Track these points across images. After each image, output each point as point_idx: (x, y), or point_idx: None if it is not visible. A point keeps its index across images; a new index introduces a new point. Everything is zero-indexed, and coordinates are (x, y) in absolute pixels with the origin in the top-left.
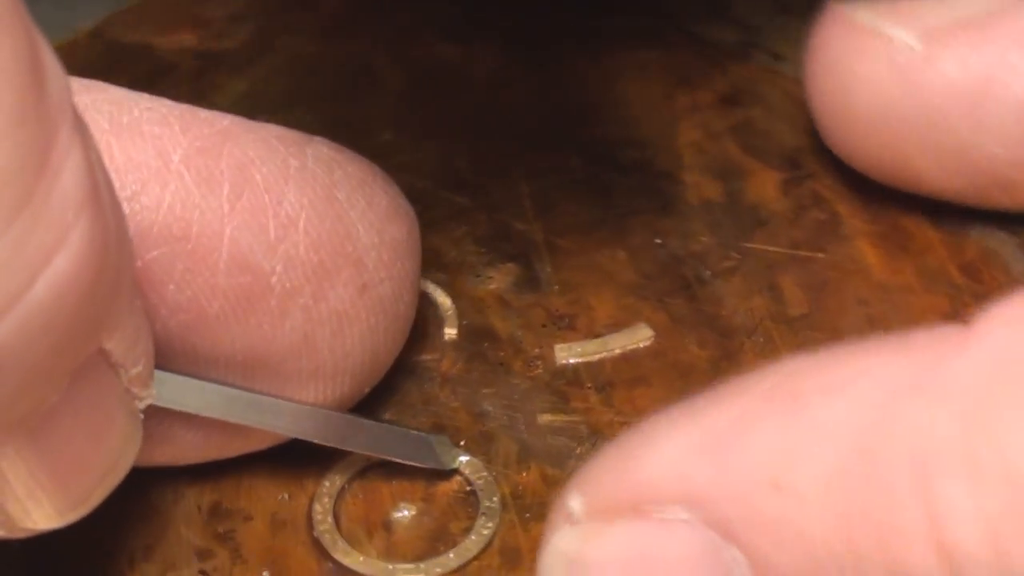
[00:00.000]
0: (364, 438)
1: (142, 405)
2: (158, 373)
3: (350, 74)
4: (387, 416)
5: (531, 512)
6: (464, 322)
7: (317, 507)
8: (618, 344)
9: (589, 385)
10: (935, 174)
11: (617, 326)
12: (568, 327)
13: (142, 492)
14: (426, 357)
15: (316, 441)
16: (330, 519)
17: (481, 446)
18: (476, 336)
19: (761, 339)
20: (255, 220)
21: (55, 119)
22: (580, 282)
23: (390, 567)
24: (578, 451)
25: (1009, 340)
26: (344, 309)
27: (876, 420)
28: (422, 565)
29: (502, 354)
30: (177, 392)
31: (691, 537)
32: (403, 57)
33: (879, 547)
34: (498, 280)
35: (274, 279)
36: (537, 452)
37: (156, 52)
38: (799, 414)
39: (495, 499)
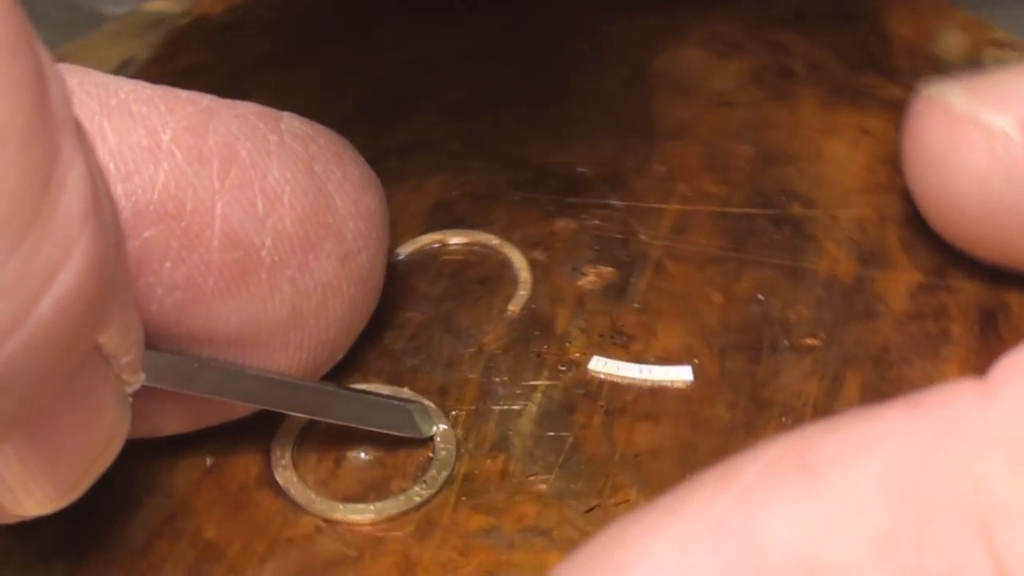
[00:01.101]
0: (344, 408)
1: (131, 390)
2: (147, 353)
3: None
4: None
5: (470, 498)
6: (532, 306)
7: (275, 447)
8: (653, 377)
9: (601, 404)
10: None
11: (667, 360)
12: (621, 345)
13: None
14: (477, 327)
15: (298, 414)
16: (288, 455)
17: (467, 422)
18: (531, 323)
19: (791, 422)
20: (244, 195)
21: (59, 132)
22: (661, 308)
23: (340, 506)
24: (549, 460)
25: None
26: (328, 280)
27: (918, 478)
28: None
29: (544, 347)
30: (165, 371)
31: None
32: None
33: None
34: (591, 280)
35: (264, 253)
36: (513, 448)
37: None
38: (819, 484)
39: (444, 473)
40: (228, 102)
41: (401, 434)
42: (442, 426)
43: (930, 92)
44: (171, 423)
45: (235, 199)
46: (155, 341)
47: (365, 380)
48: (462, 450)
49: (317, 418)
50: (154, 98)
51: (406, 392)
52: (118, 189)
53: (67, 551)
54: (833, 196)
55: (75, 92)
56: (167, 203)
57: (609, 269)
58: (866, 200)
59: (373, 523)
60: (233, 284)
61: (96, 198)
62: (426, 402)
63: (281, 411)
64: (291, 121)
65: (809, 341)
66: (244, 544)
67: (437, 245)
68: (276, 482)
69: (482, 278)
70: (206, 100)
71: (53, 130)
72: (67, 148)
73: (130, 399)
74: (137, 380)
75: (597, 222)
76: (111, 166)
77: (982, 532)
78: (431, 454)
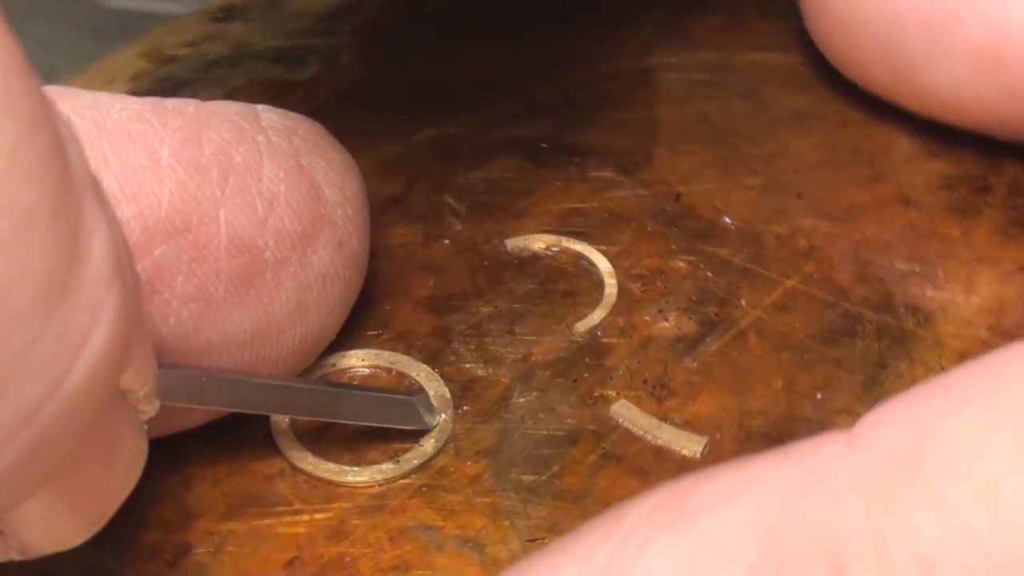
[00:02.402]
0: (351, 407)
1: (146, 418)
2: (161, 372)
3: None
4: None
5: (430, 492)
6: (597, 332)
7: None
8: (664, 437)
9: (603, 446)
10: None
11: (691, 426)
12: (656, 397)
13: None
14: (536, 336)
15: (307, 417)
16: (286, 419)
17: (471, 421)
18: (587, 349)
19: None
20: (244, 200)
21: (81, 199)
22: (716, 376)
23: (309, 457)
24: (525, 481)
25: (893, 438)
26: (326, 270)
27: (779, 522)
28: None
29: (585, 375)
30: (175, 389)
31: None
32: None
33: None
34: (668, 326)
35: (267, 254)
36: (498, 459)
37: None
38: (691, 531)
39: (416, 462)
40: (209, 105)
41: (408, 427)
42: (443, 416)
43: None
44: (194, 415)
45: (236, 205)
46: (175, 356)
47: (407, 353)
48: (450, 445)
49: (325, 419)
50: (145, 113)
51: (422, 374)
52: (126, 211)
53: None
54: (954, 324)
55: (71, 118)
56: (174, 219)
57: (692, 322)
58: (981, 336)
59: (330, 483)
60: (242, 288)
61: (117, 253)
62: (431, 392)
63: (291, 416)
64: (269, 116)
65: None
66: (208, 463)
67: (545, 247)
68: (270, 417)
69: (568, 292)
70: (191, 108)
71: (76, 198)
72: (88, 212)
73: (145, 427)
74: (153, 408)
75: (709, 274)
76: (116, 189)
77: (835, 572)
78: (419, 440)
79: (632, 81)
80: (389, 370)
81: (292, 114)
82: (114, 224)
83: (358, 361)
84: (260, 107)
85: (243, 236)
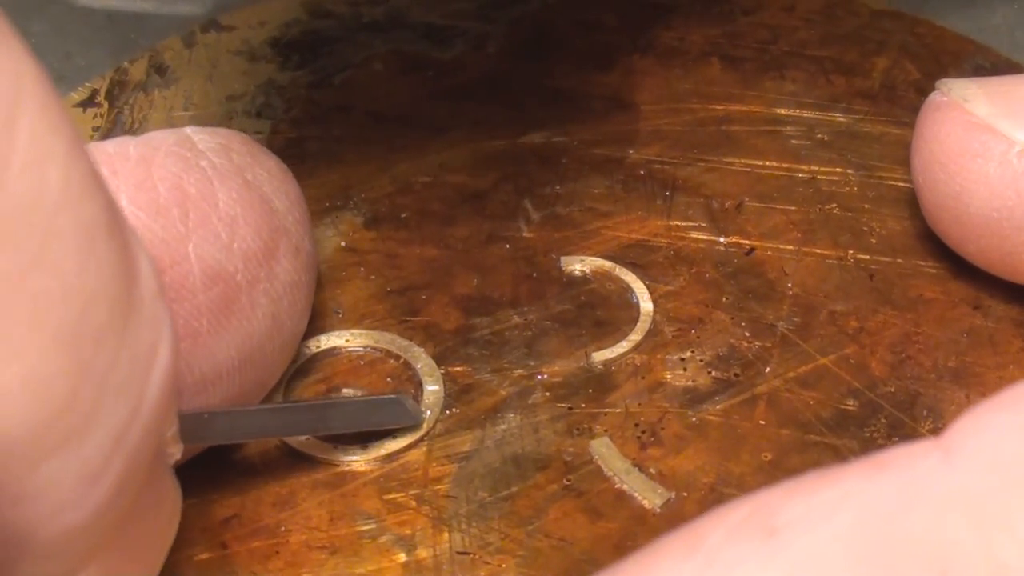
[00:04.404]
0: (344, 417)
1: (171, 461)
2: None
3: None
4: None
5: (387, 482)
6: (612, 367)
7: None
8: (631, 483)
9: (568, 479)
10: None
11: (664, 478)
12: (642, 444)
13: None
14: (551, 356)
15: (303, 436)
16: (282, 389)
17: (454, 425)
18: (595, 379)
19: None
20: (207, 231)
21: (123, 218)
22: (712, 436)
23: (331, 446)
24: (475, 496)
25: (994, 445)
26: (291, 278)
27: (882, 540)
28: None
29: (582, 406)
30: (188, 430)
31: None
32: None
33: None
34: (684, 375)
35: (239, 277)
36: (463, 467)
37: None
38: (784, 547)
39: (382, 452)
40: (145, 140)
41: (400, 425)
42: (428, 413)
43: (948, 90)
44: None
45: (202, 237)
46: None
47: (422, 344)
48: (422, 444)
49: (321, 433)
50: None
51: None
52: None
53: None
54: None
55: None
56: None
57: (709, 377)
58: None
59: (298, 453)
60: (223, 316)
61: (156, 272)
62: (426, 388)
63: (287, 437)
64: (201, 136)
65: None
66: None
67: (597, 272)
68: None
69: (601, 321)
70: (131, 147)
71: (121, 213)
72: (129, 232)
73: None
74: (179, 450)
75: (747, 334)
76: None
77: None
78: (393, 433)
79: (758, 130)
80: (397, 357)
81: (220, 130)
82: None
83: (372, 341)
84: (188, 129)
85: (214, 266)
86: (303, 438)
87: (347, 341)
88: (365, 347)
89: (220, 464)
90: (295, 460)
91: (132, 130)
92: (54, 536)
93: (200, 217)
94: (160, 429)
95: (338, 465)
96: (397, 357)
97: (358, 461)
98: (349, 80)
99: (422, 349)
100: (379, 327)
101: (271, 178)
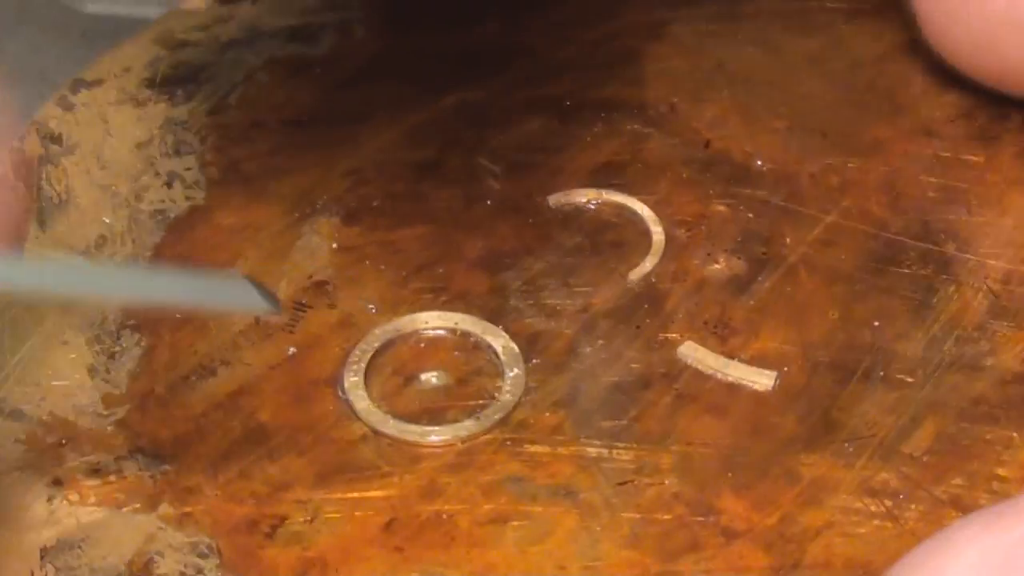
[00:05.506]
0: (181, 289)
1: None
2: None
3: None
4: None
5: (515, 445)
6: (652, 279)
7: (355, 351)
8: (735, 374)
9: (676, 387)
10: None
11: (757, 362)
12: (720, 337)
13: None
14: (593, 286)
15: (147, 304)
16: (363, 363)
17: (543, 373)
18: (644, 296)
19: (853, 450)
20: None
21: None
22: (775, 312)
23: (391, 421)
24: (604, 428)
25: None
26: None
27: None
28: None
29: (647, 321)
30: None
31: None
32: None
33: None
34: (720, 268)
35: None
36: (575, 408)
37: None
38: None
39: (498, 415)
40: None
41: (246, 308)
42: (516, 370)
43: None
44: None
45: None
46: None
47: (467, 311)
48: (525, 398)
49: (165, 304)
50: None
51: None
52: None
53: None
54: (993, 245)
55: None
56: None
57: (742, 262)
58: (1023, 255)
59: (416, 444)
60: None
61: None
62: (499, 347)
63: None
64: None
65: (904, 377)
66: (290, 435)
67: (587, 201)
68: (343, 385)
69: (617, 242)
70: None
71: None
72: None
73: None
74: None
75: (751, 215)
76: None
77: None
78: (496, 395)
79: (646, 35)
80: (454, 330)
81: None
82: None
83: (422, 324)
84: None
85: None
86: (415, 427)
87: (397, 331)
88: (417, 330)
89: (348, 477)
90: (412, 451)
91: (64, 203)
92: None
93: None
94: None
95: (456, 443)
96: (453, 330)
97: (475, 432)
98: (244, 97)
99: (473, 316)
100: (415, 309)
101: None
